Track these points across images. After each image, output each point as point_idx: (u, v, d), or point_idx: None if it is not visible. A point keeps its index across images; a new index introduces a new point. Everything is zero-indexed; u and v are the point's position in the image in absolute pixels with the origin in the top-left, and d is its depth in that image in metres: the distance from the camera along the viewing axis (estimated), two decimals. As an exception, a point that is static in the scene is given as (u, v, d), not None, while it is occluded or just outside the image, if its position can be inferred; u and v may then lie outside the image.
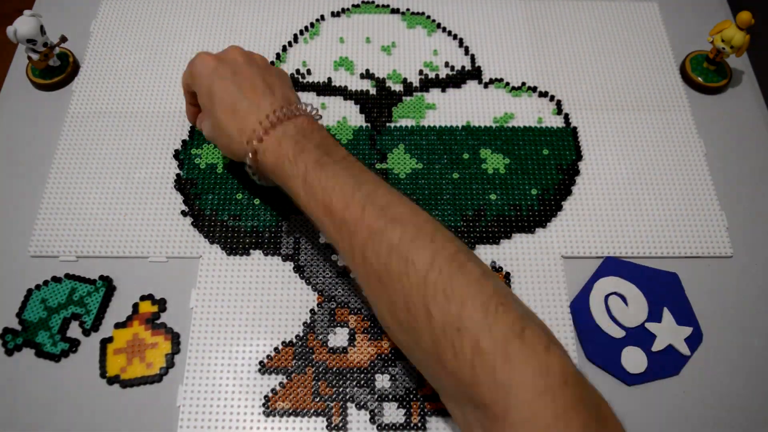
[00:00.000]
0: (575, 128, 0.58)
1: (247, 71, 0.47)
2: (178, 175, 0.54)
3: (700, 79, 0.60)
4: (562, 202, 0.54)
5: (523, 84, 0.60)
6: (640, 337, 0.48)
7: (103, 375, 0.46)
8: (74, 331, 0.48)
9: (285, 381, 0.46)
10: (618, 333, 0.48)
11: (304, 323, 0.48)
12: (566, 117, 0.58)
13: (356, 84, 0.60)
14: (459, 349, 0.33)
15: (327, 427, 0.44)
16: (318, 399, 0.45)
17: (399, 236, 0.37)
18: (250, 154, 0.44)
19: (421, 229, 0.37)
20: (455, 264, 0.36)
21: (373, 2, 0.65)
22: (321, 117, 0.46)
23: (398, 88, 0.59)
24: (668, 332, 0.48)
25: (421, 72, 0.60)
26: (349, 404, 0.45)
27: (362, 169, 0.42)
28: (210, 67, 0.47)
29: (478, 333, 0.33)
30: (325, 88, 0.59)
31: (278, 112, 0.44)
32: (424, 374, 0.39)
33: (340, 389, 0.46)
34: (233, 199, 0.53)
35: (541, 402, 0.31)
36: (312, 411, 0.45)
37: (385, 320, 0.39)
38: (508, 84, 0.60)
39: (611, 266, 0.51)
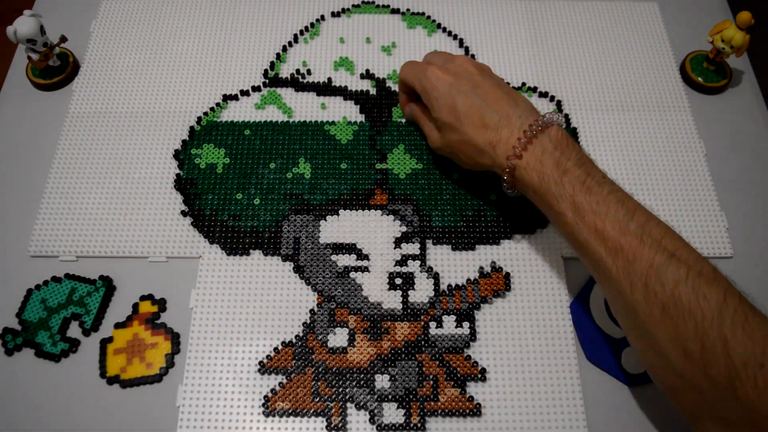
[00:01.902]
0: (575, 128, 0.58)
1: (485, 83, 0.48)
2: (178, 175, 0.54)
3: (700, 79, 0.60)
4: (562, 203, 0.54)
5: (523, 84, 0.60)
6: (640, 337, 0.48)
7: (103, 375, 0.46)
8: (74, 331, 0.48)
9: (285, 381, 0.46)
10: (618, 333, 0.48)
11: (304, 323, 0.48)
12: (566, 117, 0.58)
13: (356, 84, 0.60)
14: (761, 383, 0.34)
15: (326, 427, 0.44)
16: (317, 399, 0.45)
17: (686, 272, 0.38)
18: (507, 170, 0.45)
19: (703, 265, 0.38)
20: (746, 304, 0.37)
21: (373, 2, 0.65)
22: (562, 120, 0.46)
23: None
24: (668, 332, 0.48)
25: (421, 72, 0.60)
26: (348, 404, 0.45)
27: (626, 194, 0.42)
28: (447, 82, 0.48)
29: None
30: (325, 88, 0.59)
31: (534, 126, 0.44)
32: (684, 399, 0.39)
33: (340, 389, 0.46)
34: (233, 199, 0.53)
35: None
36: (312, 411, 0.45)
37: (663, 350, 0.38)
38: (508, 84, 0.60)
39: (611, 266, 0.51)
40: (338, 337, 0.47)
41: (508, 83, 0.60)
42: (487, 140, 0.46)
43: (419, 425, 0.44)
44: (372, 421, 0.45)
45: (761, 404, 0.34)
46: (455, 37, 0.63)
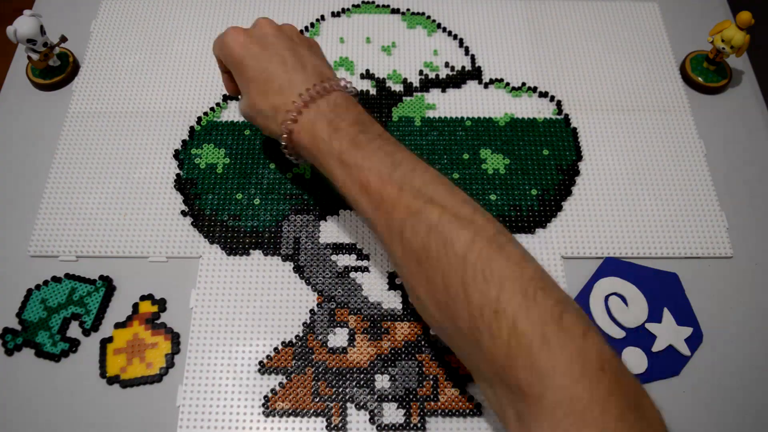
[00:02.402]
0: (575, 129, 0.58)
1: (276, 44, 0.46)
2: (178, 175, 0.54)
3: (700, 79, 0.60)
4: (562, 203, 0.54)
5: (523, 84, 0.60)
6: (640, 337, 0.48)
7: (103, 375, 0.46)
8: (74, 331, 0.48)
9: (285, 381, 0.46)
10: (618, 333, 0.48)
11: (304, 323, 0.48)
12: (566, 117, 0.58)
13: (356, 84, 0.60)
14: (496, 331, 0.33)
15: (326, 427, 0.44)
16: (318, 399, 0.45)
17: (438, 216, 0.36)
18: (285, 134, 0.43)
19: (460, 209, 0.37)
20: (495, 245, 0.35)
21: (373, 2, 0.65)
22: (356, 90, 0.45)
23: (398, 88, 0.59)
24: (668, 333, 0.48)
25: (421, 72, 0.60)
26: (348, 404, 0.45)
27: (398, 147, 0.41)
28: (239, 42, 0.46)
29: (516, 316, 0.33)
30: (325, 88, 0.59)
31: (311, 90, 0.43)
32: (459, 355, 0.39)
33: (340, 389, 0.46)
34: (233, 199, 0.53)
35: (577, 387, 0.31)
36: (312, 411, 0.45)
37: (421, 300, 0.38)
38: (508, 84, 0.60)
39: (611, 266, 0.51)
40: (338, 337, 0.47)
41: (502, 80, 0.60)
42: (269, 105, 0.44)
43: (419, 425, 0.44)
44: (372, 421, 0.45)
45: (500, 354, 0.33)
46: (455, 37, 0.63)
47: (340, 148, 0.41)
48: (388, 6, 0.65)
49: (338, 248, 0.51)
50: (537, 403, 0.31)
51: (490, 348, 0.33)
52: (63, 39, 0.58)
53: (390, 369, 0.46)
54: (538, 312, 0.33)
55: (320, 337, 0.47)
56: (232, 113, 0.58)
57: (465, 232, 0.36)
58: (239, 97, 0.52)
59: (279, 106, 0.43)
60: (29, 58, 0.56)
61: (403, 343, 0.47)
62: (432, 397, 0.45)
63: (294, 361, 0.47)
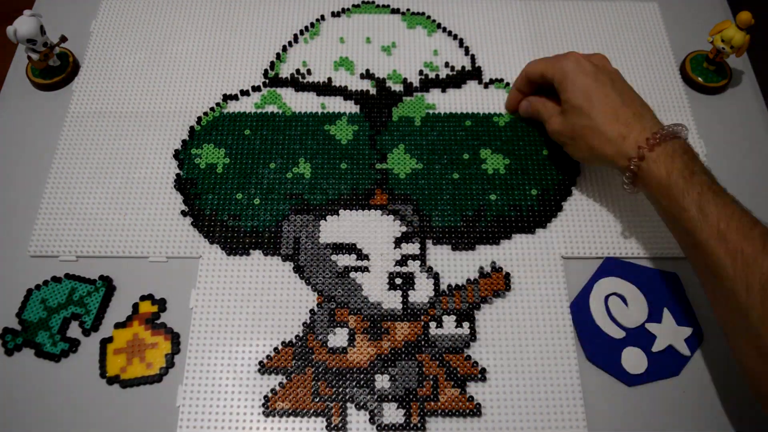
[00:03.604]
0: (575, 128, 0.57)
1: (623, 84, 0.50)
2: (178, 175, 0.54)
3: (700, 79, 0.60)
4: (562, 202, 0.54)
5: (523, 84, 0.60)
6: (640, 337, 0.48)
7: (103, 375, 0.46)
8: (74, 331, 0.48)
9: (285, 381, 0.46)
10: (618, 333, 0.48)
11: (304, 323, 0.48)
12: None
13: (356, 84, 0.60)
14: None
15: (326, 427, 0.44)
16: (317, 399, 0.45)
17: None
18: (635, 160, 0.45)
19: None
20: None
21: (373, 2, 0.65)
22: (687, 134, 0.47)
23: (398, 88, 0.59)
24: (668, 333, 0.48)
25: (421, 72, 0.60)
26: (348, 404, 0.45)
27: (747, 210, 0.43)
28: (588, 69, 0.50)
29: None
30: (325, 88, 0.59)
31: (666, 129, 0.45)
32: None
33: (340, 389, 0.46)
34: (233, 199, 0.53)
35: None
36: (312, 411, 0.45)
37: None
38: (508, 84, 0.60)
39: (611, 266, 0.51)
40: (338, 337, 0.47)
41: (502, 80, 0.60)
42: (618, 132, 0.47)
43: (419, 425, 0.44)
44: (372, 421, 0.45)
45: None
46: (455, 37, 0.63)
47: (699, 189, 0.43)
48: (388, 6, 0.65)
49: (338, 248, 0.51)
50: None
51: None
52: (63, 39, 0.58)
53: (390, 369, 0.46)
54: None
55: (320, 337, 0.47)
56: (232, 107, 0.58)
57: None
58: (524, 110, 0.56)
59: (628, 134, 0.46)
60: (29, 58, 0.56)
61: (403, 343, 0.47)
62: (432, 397, 0.45)
63: (294, 361, 0.47)
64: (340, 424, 0.44)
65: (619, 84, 0.50)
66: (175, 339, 0.47)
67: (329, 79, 0.60)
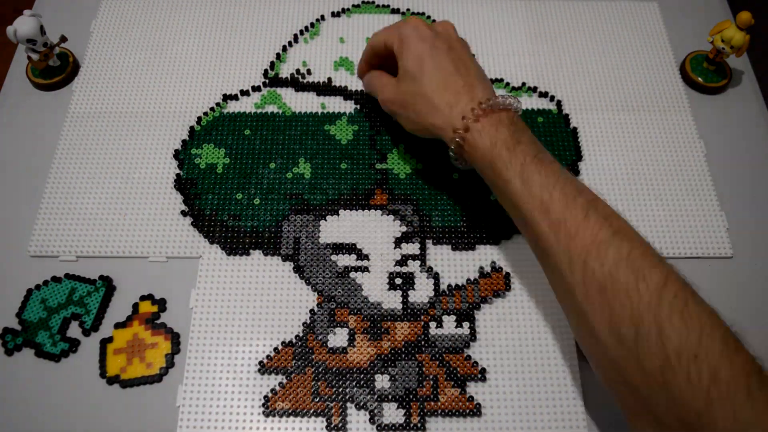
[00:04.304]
0: (575, 128, 0.58)
1: (461, 51, 0.48)
2: (178, 175, 0.54)
3: (700, 79, 0.60)
4: (562, 203, 0.54)
5: (523, 84, 0.60)
6: (639, 337, 0.48)
7: (103, 375, 0.46)
8: (74, 331, 0.48)
9: (285, 381, 0.46)
10: (618, 333, 0.48)
11: (304, 323, 0.48)
12: (566, 117, 0.58)
13: (356, 84, 0.60)
14: (695, 376, 0.32)
15: (326, 427, 0.44)
16: (317, 399, 0.45)
17: (628, 250, 0.36)
18: (460, 131, 0.44)
19: (648, 248, 0.37)
20: (689, 291, 0.35)
21: (373, 2, 0.65)
22: (520, 109, 0.46)
23: (398, 88, 0.59)
24: (668, 332, 0.48)
25: (421, 72, 0.60)
26: (348, 404, 0.45)
27: (575, 177, 0.42)
28: (426, 34, 0.47)
29: (719, 364, 0.32)
30: (325, 88, 0.59)
31: (494, 100, 0.44)
32: (626, 392, 0.37)
33: (340, 389, 0.46)
34: (233, 199, 0.53)
35: None
36: (312, 411, 0.45)
37: (597, 332, 0.37)
38: (508, 84, 0.60)
39: (611, 266, 0.51)
40: (338, 337, 0.47)
41: (502, 80, 0.60)
42: (446, 100, 0.45)
43: (419, 425, 0.44)
44: (372, 421, 0.45)
45: (694, 400, 0.32)
46: (455, 37, 0.63)
47: (523, 159, 0.41)
48: (388, 6, 0.65)
49: (338, 248, 0.51)
50: None
51: (684, 393, 0.32)
52: (63, 39, 0.58)
53: (390, 369, 0.46)
54: (740, 362, 0.32)
55: (320, 337, 0.47)
56: (232, 107, 0.58)
57: (657, 271, 0.35)
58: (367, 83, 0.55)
59: (458, 103, 0.44)
60: (29, 58, 0.56)
61: (403, 343, 0.47)
62: (432, 397, 0.45)
63: (294, 361, 0.47)
64: (340, 424, 0.44)
65: (456, 53, 0.47)
66: (175, 339, 0.47)
67: (329, 79, 0.60)
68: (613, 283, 0.36)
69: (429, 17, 0.64)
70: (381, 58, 0.53)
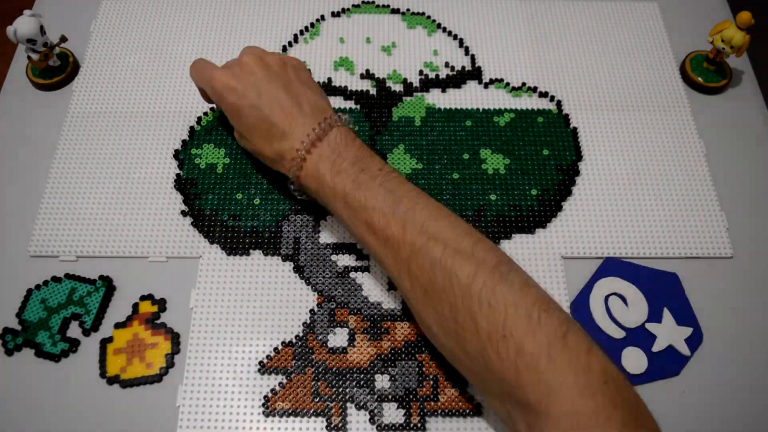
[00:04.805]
0: (575, 128, 0.58)
1: (270, 89, 0.46)
2: (178, 175, 0.54)
3: (700, 79, 0.60)
4: (562, 203, 0.54)
5: (523, 84, 0.60)
6: (640, 337, 0.48)
7: (103, 375, 0.46)
8: (74, 331, 0.48)
9: (285, 381, 0.46)
10: (618, 333, 0.48)
11: (304, 323, 0.48)
12: (566, 117, 0.58)
13: (356, 84, 0.60)
14: (504, 353, 0.36)
15: (326, 427, 0.44)
16: (318, 399, 0.45)
17: (441, 252, 0.39)
18: (292, 179, 0.46)
19: (461, 243, 0.39)
20: (497, 275, 0.38)
21: (373, 2, 0.65)
22: (352, 120, 0.47)
23: (398, 88, 0.59)
24: (668, 333, 0.48)
25: (421, 72, 0.60)
26: (348, 404, 0.45)
27: (399, 182, 0.43)
28: (234, 90, 0.47)
29: (523, 338, 0.35)
30: (325, 88, 0.59)
31: (311, 135, 0.44)
32: (468, 376, 0.41)
33: (340, 389, 0.46)
34: (233, 199, 0.53)
35: (582, 399, 0.33)
36: (312, 411, 0.45)
37: (431, 329, 0.41)
38: (508, 84, 0.60)
39: (611, 267, 0.51)
40: (338, 337, 0.47)
41: (502, 80, 0.60)
42: (275, 151, 0.46)
43: (419, 425, 0.44)
44: (372, 421, 0.45)
45: (508, 374, 0.35)
46: (455, 37, 0.63)
47: (343, 190, 0.43)
48: (388, 6, 0.65)
49: (338, 248, 0.51)
50: (545, 416, 0.34)
51: (499, 369, 0.36)
52: (63, 39, 0.58)
53: (390, 369, 0.46)
54: (543, 333, 0.35)
55: (320, 337, 0.47)
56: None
57: (467, 264, 0.38)
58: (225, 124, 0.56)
59: (284, 152, 0.45)
60: (29, 58, 0.56)
61: (403, 343, 0.47)
62: (432, 397, 0.45)
63: (294, 361, 0.47)
64: (340, 424, 0.44)
65: (267, 94, 0.46)
66: (175, 339, 0.47)
67: (329, 79, 0.60)
68: (432, 285, 0.39)
69: (429, 17, 0.64)
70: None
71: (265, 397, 0.45)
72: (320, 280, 0.50)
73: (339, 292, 0.49)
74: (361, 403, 0.45)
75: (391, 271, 0.42)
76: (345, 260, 0.50)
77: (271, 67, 0.48)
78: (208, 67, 0.51)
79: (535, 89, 0.60)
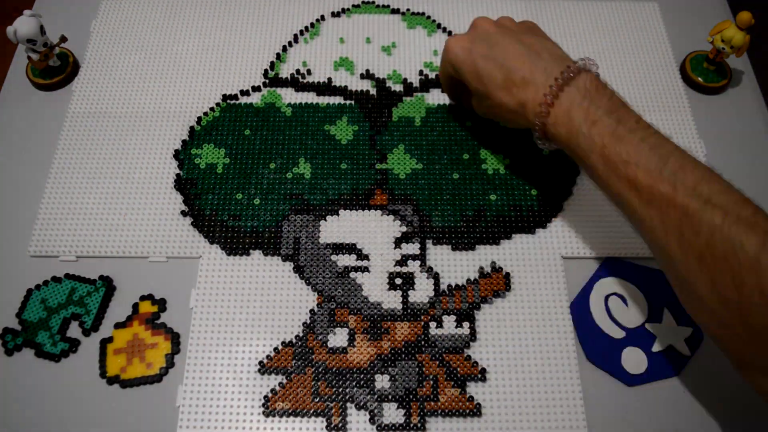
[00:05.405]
0: (575, 128, 0.57)
1: (503, 40, 0.46)
2: (178, 175, 0.54)
3: (700, 79, 0.60)
4: (562, 202, 0.54)
5: (523, 84, 0.60)
6: (640, 337, 0.48)
7: (103, 375, 0.46)
8: (74, 331, 0.48)
9: (285, 381, 0.46)
10: (618, 333, 0.48)
11: (304, 323, 0.48)
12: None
13: (356, 84, 0.60)
14: None
15: (326, 427, 0.44)
16: (317, 399, 0.45)
17: (720, 219, 0.36)
18: (538, 127, 0.44)
19: (741, 210, 0.37)
20: None
21: (373, 2, 0.65)
22: (597, 66, 0.45)
23: (398, 88, 0.59)
24: (668, 333, 0.48)
25: (421, 72, 0.60)
26: (348, 404, 0.45)
27: (661, 138, 0.41)
28: (465, 49, 0.47)
29: None
30: (325, 88, 0.59)
31: (559, 79, 0.43)
32: (734, 347, 0.38)
33: (340, 389, 0.46)
34: (233, 199, 0.53)
35: None
36: (312, 411, 0.45)
37: (702, 299, 0.38)
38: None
39: (611, 267, 0.51)
40: (338, 337, 0.47)
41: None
42: (516, 100, 0.45)
43: (419, 425, 0.44)
44: (372, 421, 0.45)
45: None
46: (455, 37, 0.63)
47: (601, 142, 0.41)
48: (388, 6, 0.65)
49: (338, 248, 0.51)
50: None
51: None
52: (63, 39, 0.58)
53: (390, 369, 0.46)
54: None
55: (320, 337, 0.47)
56: (233, 113, 0.58)
57: (752, 234, 0.35)
58: (460, 100, 0.56)
59: (527, 100, 0.44)
60: (29, 58, 0.56)
61: (403, 343, 0.47)
62: (432, 397, 0.45)
63: (294, 361, 0.47)
64: (340, 424, 0.44)
65: (500, 45, 0.46)
66: (175, 339, 0.47)
67: (329, 79, 0.60)
68: (711, 252, 0.36)
69: (429, 17, 0.64)
70: (456, 81, 0.53)
71: (265, 397, 0.45)
72: (320, 280, 0.50)
73: (339, 292, 0.49)
74: (361, 403, 0.45)
75: (656, 233, 0.39)
76: (345, 260, 0.50)
77: (504, 24, 0.49)
78: (444, 49, 0.51)
79: (535, 89, 0.60)
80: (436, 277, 0.50)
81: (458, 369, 0.46)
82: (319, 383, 0.46)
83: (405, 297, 0.49)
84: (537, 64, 0.44)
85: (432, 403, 0.45)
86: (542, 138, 0.45)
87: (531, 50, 0.45)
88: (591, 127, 0.41)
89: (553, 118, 0.43)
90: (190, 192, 0.53)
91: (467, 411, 0.45)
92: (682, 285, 0.40)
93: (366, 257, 0.50)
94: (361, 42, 0.62)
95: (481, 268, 0.50)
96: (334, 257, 0.50)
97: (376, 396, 0.45)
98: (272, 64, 0.61)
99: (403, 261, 0.50)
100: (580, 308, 0.49)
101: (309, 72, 0.60)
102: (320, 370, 0.46)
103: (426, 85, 0.59)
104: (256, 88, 0.59)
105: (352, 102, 0.58)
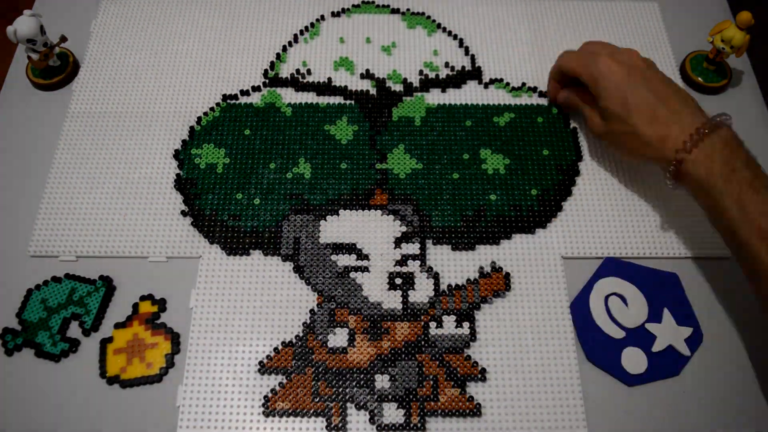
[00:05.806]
0: (575, 128, 0.58)
1: (657, 79, 0.49)
2: (178, 175, 0.54)
3: (700, 79, 0.60)
4: (562, 203, 0.54)
5: (523, 84, 0.60)
6: (640, 337, 0.48)
7: (103, 375, 0.46)
8: (74, 331, 0.48)
9: (284, 381, 0.46)
10: (618, 333, 0.48)
11: (304, 323, 0.48)
12: (566, 117, 0.58)
13: (356, 84, 0.60)
14: None
15: (326, 427, 0.44)
16: (317, 399, 0.45)
17: None
18: (675, 163, 0.46)
19: None
20: None
21: (373, 2, 0.65)
22: (731, 121, 0.47)
23: (398, 88, 0.59)
24: (668, 332, 0.48)
25: (421, 72, 0.60)
26: (348, 404, 0.45)
27: None
28: (619, 74, 0.49)
29: None
30: (325, 88, 0.59)
31: (705, 126, 0.45)
32: None
33: (340, 389, 0.46)
34: (233, 199, 0.53)
35: None
36: (311, 411, 0.45)
37: None
38: (508, 84, 0.60)
39: (611, 267, 0.51)
40: (338, 337, 0.47)
41: (502, 80, 0.60)
42: (657, 134, 0.47)
43: (419, 425, 0.44)
44: (372, 421, 0.45)
45: None
46: (455, 37, 0.63)
47: (739, 188, 0.43)
48: (388, 6, 0.65)
49: (338, 248, 0.51)
50: None
51: None
52: (63, 39, 0.58)
53: (390, 369, 0.46)
54: None
55: (320, 337, 0.47)
56: (232, 113, 0.58)
57: None
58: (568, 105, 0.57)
59: (669, 136, 0.46)
60: (29, 58, 0.56)
61: (403, 343, 0.47)
62: (432, 397, 0.45)
63: (294, 361, 0.47)
64: (340, 424, 0.44)
65: (653, 82, 0.49)
66: (175, 339, 0.47)
67: (329, 79, 0.60)
68: None
69: (429, 17, 0.64)
70: (568, 78, 0.55)
71: (265, 397, 0.45)
72: (320, 280, 0.50)
73: (339, 292, 0.49)
74: (361, 403, 0.45)
75: None
76: (345, 260, 0.50)
77: (649, 62, 0.51)
78: (586, 54, 0.53)
79: (535, 89, 0.60)
80: (436, 277, 0.50)
81: (458, 369, 0.46)
82: (319, 383, 0.46)
83: (405, 297, 0.49)
84: (684, 108, 0.47)
85: (432, 403, 0.45)
86: (673, 174, 0.47)
87: (679, 95, 0.49)
88: (730, 173, 0.44)
89: (694, 156, 0.45)
90: (190, 192, 0.53)
91: (467, 411, 0.45)
92: None
93: (366, 257, 0.50)
94: (361, 42, 0.62)
95: (481, 268, 0.50)
96: (334, 257, 0.50)
97: (376, 396, 0.45)
98: (272, 64, 0.61)
99: (403, 261, 0.50)
100: (580, 308, 0.49)
101: (309, 72, 0.60)
102: (320, 370, 0.46)
103: (426, 84, 0.59)
104: (256, 88, 0.59)
105: (352, 102, 0.58)
